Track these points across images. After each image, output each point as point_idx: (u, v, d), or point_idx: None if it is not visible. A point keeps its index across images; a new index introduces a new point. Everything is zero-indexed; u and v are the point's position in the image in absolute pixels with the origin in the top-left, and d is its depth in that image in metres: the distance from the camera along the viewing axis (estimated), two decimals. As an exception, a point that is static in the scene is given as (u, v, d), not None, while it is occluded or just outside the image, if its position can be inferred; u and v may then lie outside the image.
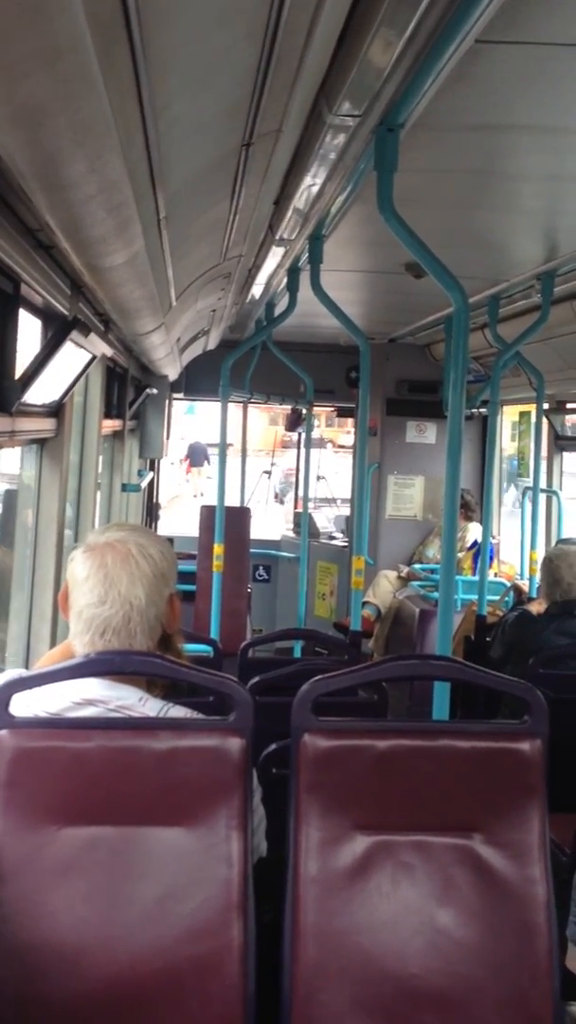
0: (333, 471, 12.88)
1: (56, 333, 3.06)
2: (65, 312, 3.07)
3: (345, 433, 20.05)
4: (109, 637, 1.99)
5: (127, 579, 2.00)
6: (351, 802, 1.97)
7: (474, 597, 5.50)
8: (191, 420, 22.28)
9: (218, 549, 5.55)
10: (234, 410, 8.65)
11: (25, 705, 1.96)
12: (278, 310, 5.75)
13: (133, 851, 1.88)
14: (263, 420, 20.51)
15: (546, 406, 6.23)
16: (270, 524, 12.36)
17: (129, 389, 6.09)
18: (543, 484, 6.66)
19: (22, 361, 2.88)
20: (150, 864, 1.88)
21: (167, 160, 2.12)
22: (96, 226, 2.07)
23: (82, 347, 3.30)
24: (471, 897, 1.94)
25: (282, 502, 16.96)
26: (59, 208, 1.93)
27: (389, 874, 1.95)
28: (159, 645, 2.07)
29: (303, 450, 7.86)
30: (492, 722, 2.21)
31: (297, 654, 6.61)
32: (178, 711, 2.02)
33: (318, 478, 10.71)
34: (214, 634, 5.38)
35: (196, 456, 22.90)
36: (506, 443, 8.38)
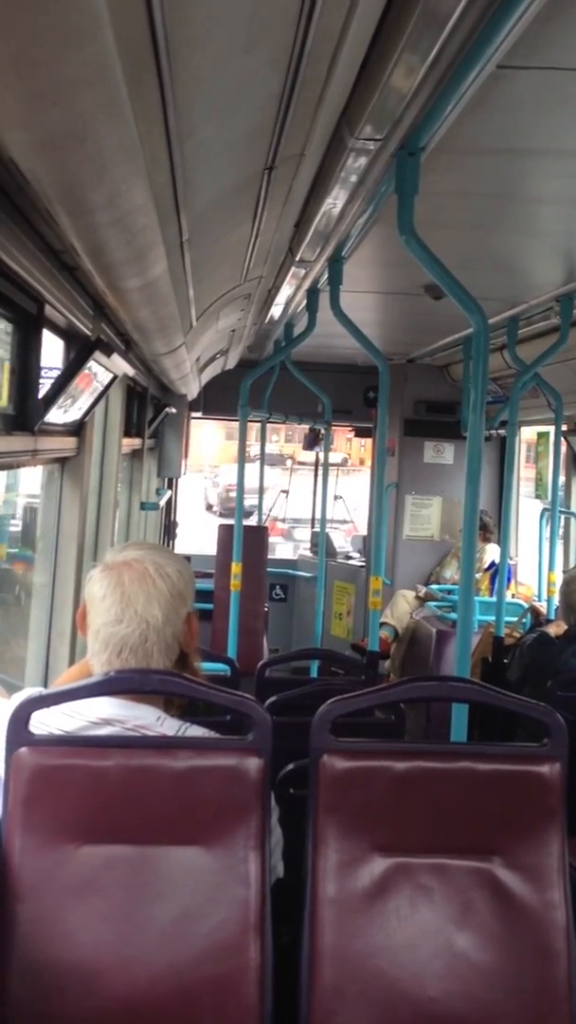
0: (290, 488, 12.25)
1: (79, 353, 3.08)
2: (88, 332, 3.09)
3: (306, 450, 19.33)
4: (126, 656, 2.00)
5: (144, 598, 2.00)
6: (369, 823, 1.97)
7: (491, 618, 5.48)
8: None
9: (236, 568, 5.56)
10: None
11: (42, 724, 1.96)
12: (297, 330, 5.77)
13: (151, 870, 1.88)
14: (219, 435, 19.80)
15: (564, 427, 6.22)
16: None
17: (148, 408, 6.12)
18: (561, 506, 6.65)
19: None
20: (168, 883, 1.88)
21: (191, 184, 2.14)
22: (120, 249, 2.09)
23: (104, 367, 3.33)
24: (490, 921, 1.94)
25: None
26: (84, 231, 1.96)
27: (407, 896, 1.94)
28: (176, 664, 2.07)
29: (320, 469, 7.87)
30: (511, 744, 2.20)
31: (314, 674, 6.60)
32: (196, 731, 2.02)
33: (336, 498, 10.70)
34: (231, 653, 5.38)
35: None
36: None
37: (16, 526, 4.38)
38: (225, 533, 6.93)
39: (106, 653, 2.00)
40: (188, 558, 8.55)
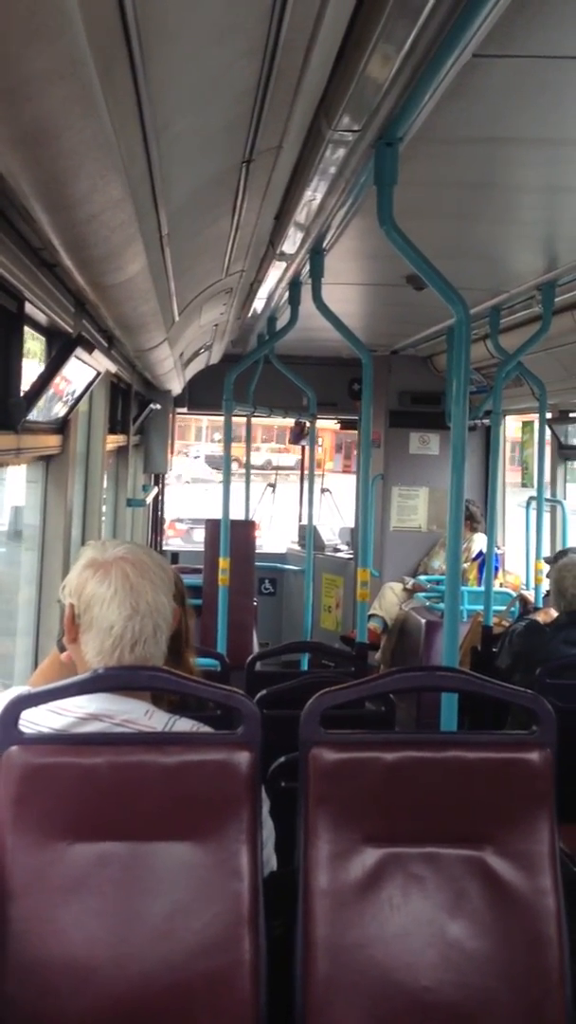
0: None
1: (60, 350, 3.07)
2: (69, 329, 3.08)
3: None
4: (139, 650, 1.99)
5: (151, 589, 2.01)
6: (360, 815, 1.97)
7: (480, 608, 5.49)
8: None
9: (224, 563, 5.56)
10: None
11: (31, 722, 1.96)
12: (280, 324, 5.77)
13: (143, 866, 1.88)
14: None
15: (549, 416, 6.23)
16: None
17: (133, 404, 6.10)
18: (547, 494, 6.67)
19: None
20: (160, 879, 1.88)
21: (169, 178, 2.13)
22: (99, 245, 2.09)
23: (86, 364, 3.32)
24: (482, 909, 1.94)
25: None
26: (62, 227, 1.95)
27: (400, 886, 1.94)
28: (171, 657, 2.07)
29: (307, 464, 7.86)
30: (500, 733, 2.21)
31: (304, 667, 6.60)
32: (184, 723, 2.02)
33: (323, 491, 10.71)
34: (221, 648, 5.38)
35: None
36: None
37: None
38: (213, 528, 6.92)
39: (117, 651, 1.98)
40: (176, 555, 8.52)
